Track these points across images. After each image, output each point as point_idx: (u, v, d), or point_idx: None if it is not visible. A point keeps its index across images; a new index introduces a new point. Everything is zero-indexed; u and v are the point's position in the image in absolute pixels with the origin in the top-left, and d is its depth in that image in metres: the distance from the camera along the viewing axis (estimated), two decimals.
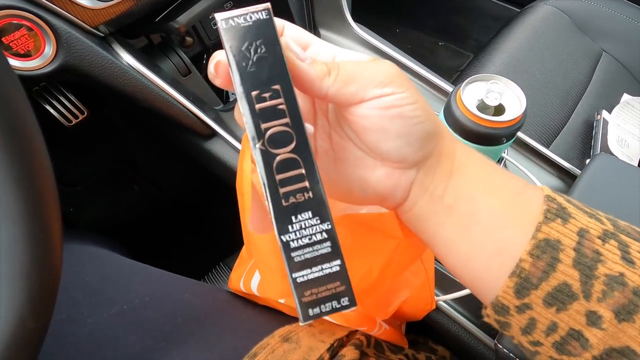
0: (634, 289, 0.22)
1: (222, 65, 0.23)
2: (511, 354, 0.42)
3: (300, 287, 0.21)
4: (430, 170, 0.25)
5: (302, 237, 0.21)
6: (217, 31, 0.62)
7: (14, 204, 0.19)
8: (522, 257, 0.23)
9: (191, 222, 0.90)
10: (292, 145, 0.22)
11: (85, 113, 0.58)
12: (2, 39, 0.43)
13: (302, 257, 0.21)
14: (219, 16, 0.22)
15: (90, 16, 0.47)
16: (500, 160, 0.57)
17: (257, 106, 0.22)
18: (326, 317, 0.38)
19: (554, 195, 0.25)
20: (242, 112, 0.22)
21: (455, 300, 0.48)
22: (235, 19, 0.21)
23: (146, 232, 0.84)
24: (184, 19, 0.54)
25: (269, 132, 0.22)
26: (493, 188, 0.25)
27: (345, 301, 0.21)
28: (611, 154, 0.66)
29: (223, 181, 0.58)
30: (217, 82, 0.24)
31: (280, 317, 0.42)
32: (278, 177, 0.22)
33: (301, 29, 0.25)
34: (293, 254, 0.21)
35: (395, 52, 0.67)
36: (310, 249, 0.21)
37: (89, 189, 0.78)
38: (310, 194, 0.22)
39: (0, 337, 0.19)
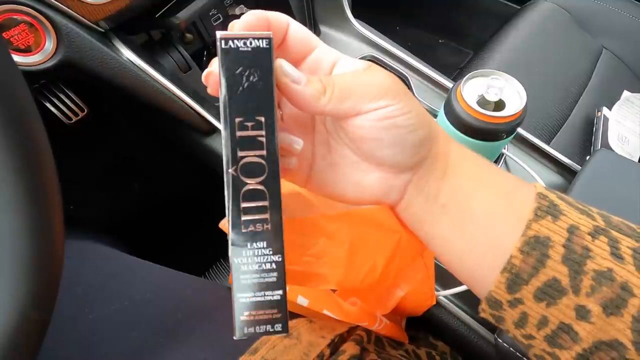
0: (621, 284, 0.22)
1: (212, 77, 0.24)
2: (511, 349, 0.42)
3: (241, 307, 0.23)
4: (425, 172, 0.26)
5: (253, 263, 0.23)
6: (217, 28, 0.62)
7: (16, 196, 0.19)
8: (513, 253, 0.24)
9: (192, 219, 0.90)
10: (263, 177, 0.23)
11: (86, 111, 0.58)
12: (3, 34, 0.43)
13: (249, 281, 0.23)
14: (219, 34, 0.22)
15: (91, 11, 0.47)
16: (500, 156, 0.57)
17: (238, 133, 0.22)
18: (327, 313, 0.39)
19: (546, 192, 0.25)
20: (223, 135, 0.22)
21: (455, 295, 0.48)
22: (236, 41, 0.22)
23: (147, 229, 0.84)
24: (184, 15, 0.54)
25: (243, 161, 0.22)
26: (486, 186, 0.26)
27: (278, 327, 0.23)
28: (611, 150, 0.66)
29: (223, 177, 0.58)
30: (208, 89, 0.24)
31: None
32: (243, 204, 0.23)
33: (306, 30, 0.26)
34: (241, 276, 0.23)
35: (396, 49, 0.67)
36: (258, 275, 0.23)
37: (89, 186, 0.78)
38: (269, 227, 0.23)
39: (2, 329, 0.19)
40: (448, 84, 0.64)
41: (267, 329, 0.23)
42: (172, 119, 0.55)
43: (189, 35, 0.61)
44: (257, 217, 0.23)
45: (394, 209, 0.27)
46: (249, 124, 0.22)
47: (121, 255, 0.50)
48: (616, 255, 0.23)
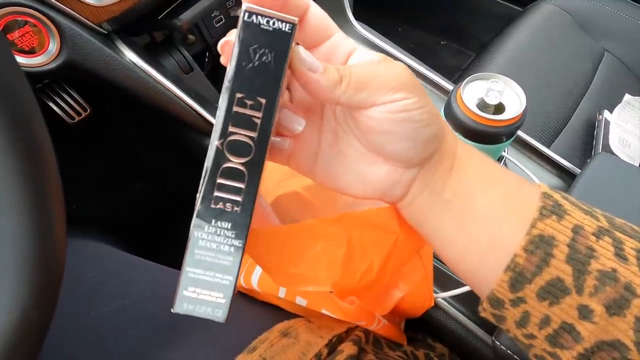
0: (625, 285, 0.22)
1: (228, 47, 0.23)
2: (508, 351, 0.42)
3: (188, 281, 0.22)
4: (431, 168, 0.25)
5: (212, 241, 0.22)
6: (219, 29, 0.62)
7: (18, 196, 0.20)
8: (517, 252, 0.24)
9: (192, 218, 0.91)
10: (246, 159, 0.22)
11: (88, 110, 0.59)
12: (7, 36, 0.44)
13: (203, 258, 0.22)
14: (245, 5, 0.21)
15: (94, 13, 0.48)
16: (500, 158, 0.57)
17: (235, 108, 0.22)
18: (325, 312, 0.39)
19: (550, 192, 0.25)
20: (219, 106, 0.22)
21: (453, 297, 0.48)
22: (259, 17, 0.21)
23: (148, 228, 0.84)
24: (186, 16, 0.54)
25: (232, 137, 0.22)
26: (490, 185, 0.26)
27: (218, 313, 0.22)
28: (613, 154, 0.66)
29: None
30: (221, 59, 0.24)
31: (280, 313, 0.42)
32: (219, 180, 0.22)
33: (326, 15, 0.25)
34: (197, 251, 0.22)
35: (397, 51, 0.67)
36: (214, 254, 0.22)
37: (90, 185, 0.78)
38: (239, 210, 0.22)
39: (3, 329, 0.19)
40: (449, 86, 0.64)
41: (207, 312, 0.22)
42: (174, 119, 0.56)
43: (191, 37, 0.62)
44: (230, 196, 0.22)
45: (395, 204, 0.27)
46: (249, 102, 0.21)
47: (122, 254, 0.51)
48: (620, 255, 0.23)
